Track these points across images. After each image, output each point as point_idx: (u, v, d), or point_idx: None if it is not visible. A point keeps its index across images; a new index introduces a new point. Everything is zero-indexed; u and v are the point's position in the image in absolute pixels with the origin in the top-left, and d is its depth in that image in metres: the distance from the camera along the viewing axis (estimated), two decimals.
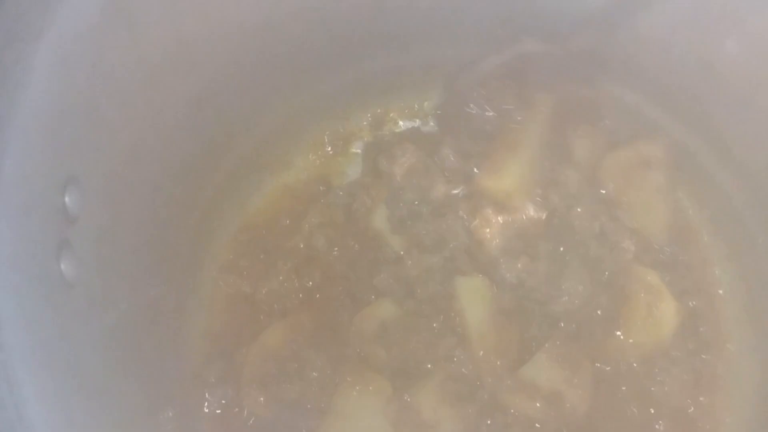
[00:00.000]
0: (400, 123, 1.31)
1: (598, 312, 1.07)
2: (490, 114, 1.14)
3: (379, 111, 1.30)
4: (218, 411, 1.02)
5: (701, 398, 1.08)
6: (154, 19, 0.85)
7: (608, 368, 1.06)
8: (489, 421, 1.00)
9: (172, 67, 0.93)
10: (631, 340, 1.06)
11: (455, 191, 1.12)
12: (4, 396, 0.56)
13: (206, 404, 1.02)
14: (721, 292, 1.18)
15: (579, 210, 1.09)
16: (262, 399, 1.01)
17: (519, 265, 1.06)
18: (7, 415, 0.56)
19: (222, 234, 1.17)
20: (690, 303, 1.13)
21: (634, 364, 1.07)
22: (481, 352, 1.03)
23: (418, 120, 1.31)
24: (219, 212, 1.15)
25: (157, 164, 0.96)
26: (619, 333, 1.06)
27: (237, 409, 1.02)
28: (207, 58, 0.98)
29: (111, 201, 0.83)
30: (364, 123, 1.30)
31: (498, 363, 1.03)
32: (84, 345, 0.74)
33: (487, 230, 1.08)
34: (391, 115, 1.30)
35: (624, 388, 1.06)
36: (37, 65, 0.69)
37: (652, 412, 1.05)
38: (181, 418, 0.94)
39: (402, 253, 1.10)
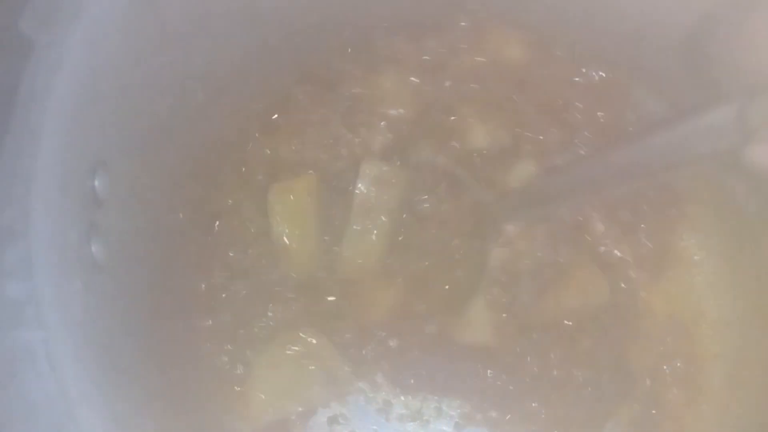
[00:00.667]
0: None
1: None
2: None
3: None
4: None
5: None
6: (180, 4, 0.86)
7: None
8: None
9: (197, 50, 0.94)
10: None
11: None
12: (45, 372, 0.57)
13: None
14: None
15: None
16: None
17: None
18: (49, 391, 0.56)
19: None
20: None
21: None
22: None
23: None
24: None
25: (178, 151, 0.96)
26: None
27: None
28: (231, 41, 0.98)
29: (134, 186, 0.84)
30: None
31: None
32: (113, 327, 0.75)
33: None
34: None
35: None
36: (69, 49, 0.69)
37: None
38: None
39: None
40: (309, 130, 1.15)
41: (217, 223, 1.10)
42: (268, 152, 1.14)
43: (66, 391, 0.57)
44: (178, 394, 0.90)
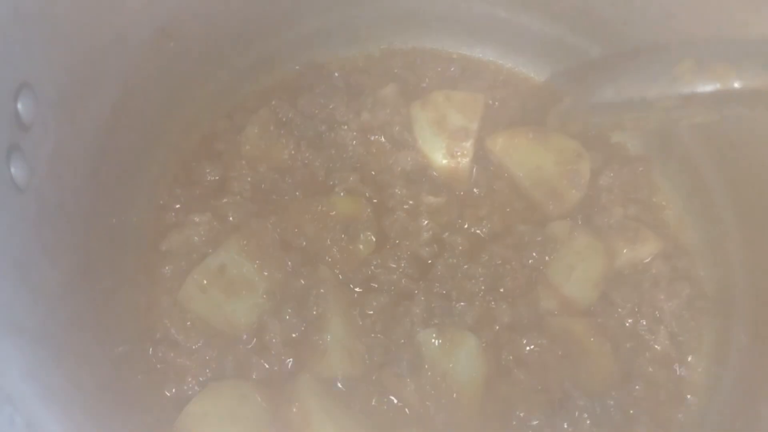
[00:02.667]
0: None
1: None
2: None
3: None
4: None
5: None
6: None
7: None
8: None
9: None
10: None
11: None
12: None
13: None
14: None
15: None
16: None
17: None
18: None
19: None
20: None
21: None
22: None
23: None
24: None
25: (118, 87, 0.96)
26: None
27: None
28: None
29: (66, 114, 0.84)
30: None
31: None
32: (33, 250, 0.74)
33: None
34: None
35: None
36: None
37: None
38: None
39: None
40: None
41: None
42: None
43: None
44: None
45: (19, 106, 0.75)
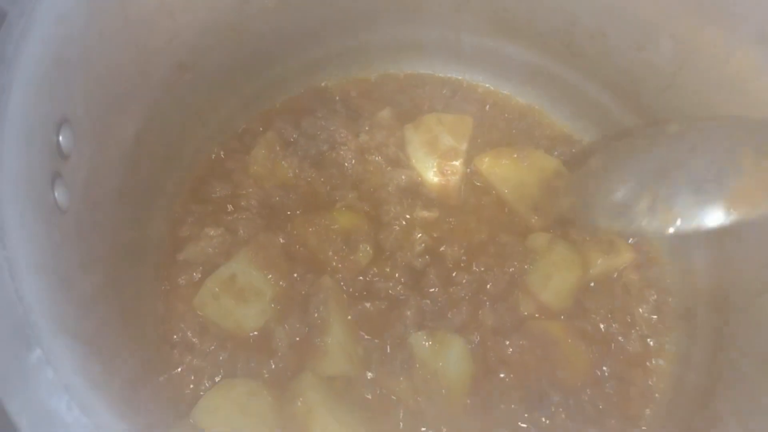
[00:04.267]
0: None
1: None
2: None
3: None
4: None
5: None
6: None
7: None
8: None
9: (157, 32, 1.06)
10: None
11: None
12: (7, 281, 0.69)
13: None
14: None
15: None
16: None
17: None
18: (9, 296, 0.68)
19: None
20: None
21: None
22: None
23: None
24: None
25: (141, 117, 1.08)
26: None
27: None
28: (188, 27, 1.11)
29: (98, 143, 0.95)
30: None
31: None
32: (73, 263, 0.86)
33: None
34: None
35: None
36: (38, 19, 0.82)
37: None
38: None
39: None
40: None
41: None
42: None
43: (24, 298, 0.69)
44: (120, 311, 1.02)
45: (60, 138, 0.86)
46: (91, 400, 0.67)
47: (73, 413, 0.64)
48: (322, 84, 1.48)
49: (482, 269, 1.29)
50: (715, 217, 1.00)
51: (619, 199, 1.12)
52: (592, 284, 1.30)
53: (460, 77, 1.52)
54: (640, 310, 1.28)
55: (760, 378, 1.03)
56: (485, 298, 1.28)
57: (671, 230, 1.04)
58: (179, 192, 1.32)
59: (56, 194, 0.84)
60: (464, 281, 1.28)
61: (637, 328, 1.27)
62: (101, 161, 0.97)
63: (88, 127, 0.92)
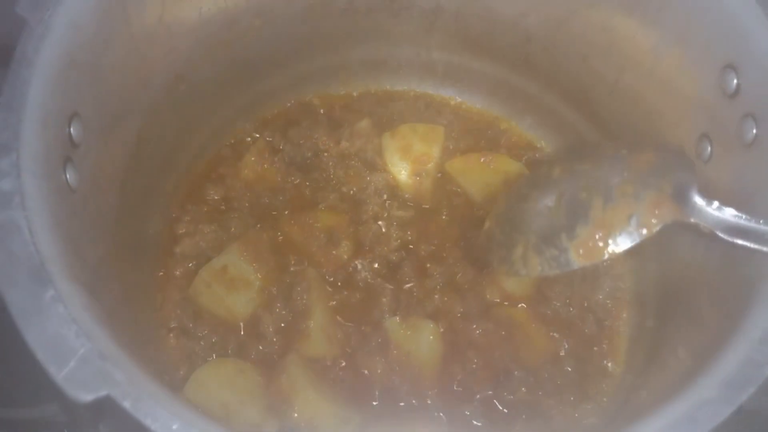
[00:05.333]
0: None
1: None
2: None
3: None
4: None
5: None
6: (144, 8, 1.13)
7: None
8: None
9: (156, 45, 1.20)
10: None
11: None
12: (27, 238, 0.82)
13: None
14: None
15: None
16: None
17: None
18: (29, 250, 0.81)
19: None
20: None
21: None
22: None
23: None
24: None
25: (142, 119, 1.22)
26: None
27: None
28: (184, 41, 1.26)
29: (103, 137, 1.09)
30: None
31: None
32: (81, 234, 0.99)
33: None
34: None
35: None
36: (54, 26, 0.96)
37: None
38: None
39: None
40: None
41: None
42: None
43: (40, 250, 0.82)
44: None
45: (72, 129, 0.99)
46: (95, 331, 0.79)
47: (80, 340, 0.77)
48: (308, 98, 1.62)
49: (452, 262, 1.42)
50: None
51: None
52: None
53: (433, 92, 1.66)
54: (596, 296, 1.39)
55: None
56: (455, 288, 1.40)
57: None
58: (176, 192, 1.45)
59: (67, 175, 0.97)
60: (436, 273, 1.40)
61: (593, 312, 1.39)
62: (105, 154, 1.11)
63: (95, 123, 1.06)
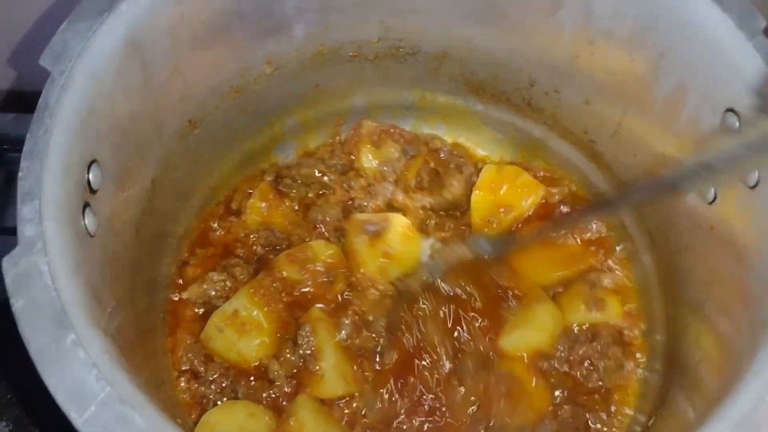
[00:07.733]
0: None
1: None
2: None
3: None
4: None
5: None
6: (160, 58, 1.16)
7: None
8: None
9: (170, 92, 1.24)
10: None
11: None
12: (48, 281, 0.84)
13: None
14: None
15: None
16: None
17: None
18: (49, 295, 0.83)
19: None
20: None
21: None
22: None
23: None
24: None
25: (156, 164, 1.25)
26: None
27: None
28: (197, 87, 1.29)
29: (120, 183, 1.11)
30: None
31: None
32: (99, 279, 1.01)
33: None
34: None
35: None
36: (75, 76, 0.99)
37: None
38: None
39: None
40: None
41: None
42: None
43: (61, 295, 0.84)
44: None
45: (90, 176, 1.02)
46: (114, 375, 0.81)
47: (100, 384, 0.78)
48: (309, 144, 1.65)
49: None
50: None
51: None
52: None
53: (439, 133, 1.68)
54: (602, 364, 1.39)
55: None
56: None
57: None
58: (187, 235, 1.48)
59: (86, 221, 0.99)
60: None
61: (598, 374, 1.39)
62: (121, 199, 1.13)
63: (112, 169, 1.08)
